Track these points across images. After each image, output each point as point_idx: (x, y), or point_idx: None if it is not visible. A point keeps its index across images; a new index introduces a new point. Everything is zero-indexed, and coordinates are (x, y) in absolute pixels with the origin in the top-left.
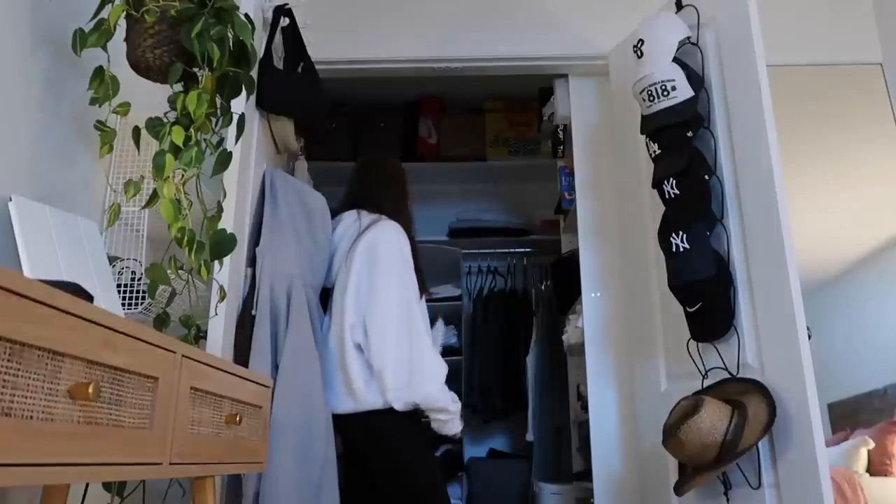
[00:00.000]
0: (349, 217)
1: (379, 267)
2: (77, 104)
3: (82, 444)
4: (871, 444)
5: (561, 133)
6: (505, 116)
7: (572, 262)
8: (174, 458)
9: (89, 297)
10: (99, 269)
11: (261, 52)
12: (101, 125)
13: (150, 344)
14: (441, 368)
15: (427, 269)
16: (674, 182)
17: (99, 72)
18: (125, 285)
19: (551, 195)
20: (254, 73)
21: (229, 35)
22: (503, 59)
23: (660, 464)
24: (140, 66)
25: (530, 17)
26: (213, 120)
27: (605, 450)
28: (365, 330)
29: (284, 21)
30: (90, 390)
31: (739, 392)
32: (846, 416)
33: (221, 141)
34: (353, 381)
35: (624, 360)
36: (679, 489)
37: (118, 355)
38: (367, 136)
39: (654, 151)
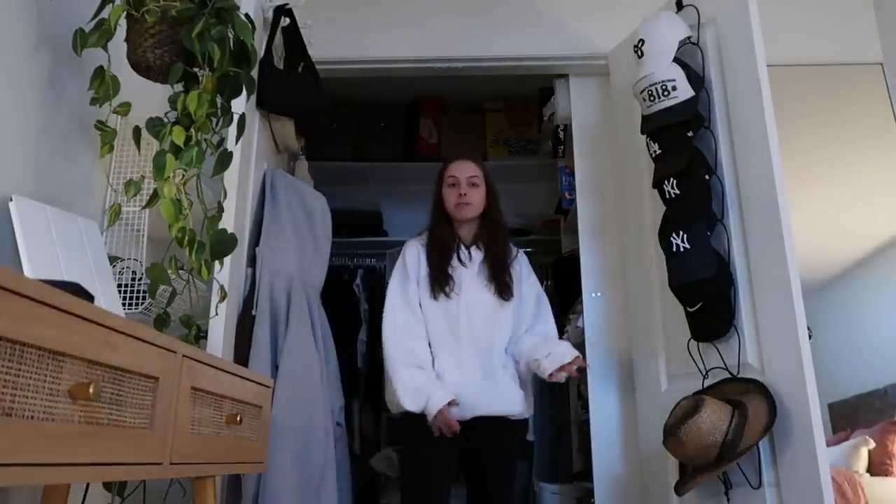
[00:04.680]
0: None
1: None
2: (77, 104)
3: (83, 444)
4: (872, 444)
5: (561, 133)
6: (505, 116)
7: (572, 262)
8: (175, 458)
9: (90, 297)
10: (99, 269)
11: (261, 52)
12: (101, 125)
13: (151, 344)
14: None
15: None
16: (674, 182)
17: (99, 72)
18: (125, 285)
19: (551, 195)
20: (254, 73)
21: (230, 35)
22: (503, 59)
23: (660, 464)
24: (140, 67)
25: (530, 17)
26: (214, 120)
27: (606, 450)
28: None
29: (285, 21)
30: (91, 390)
31: (740, 392)
32: (846, 416)
33: (222, 141)
34: None
35: (624, 360)
36: (679, 489)
37: (119, 355)
38: (367, 136)
39: (655, 151)
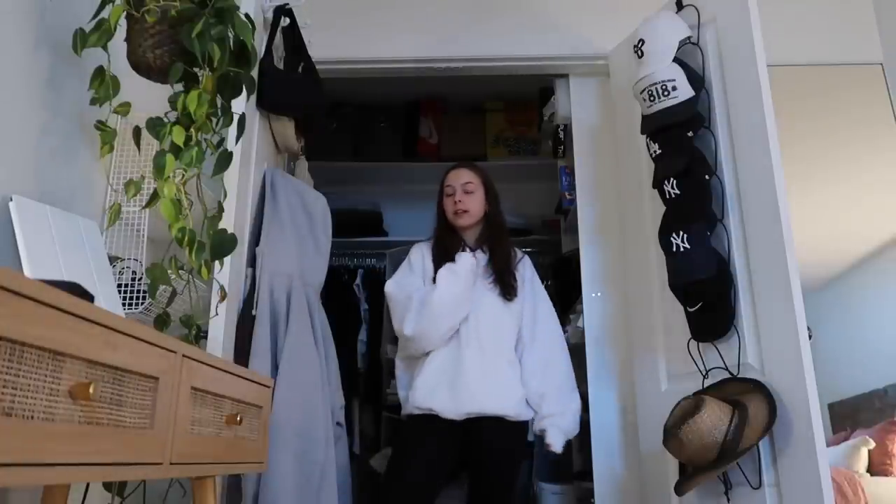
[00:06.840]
0: None
1: None
2: (78, 104)
3: (83, 444)
4: (872, 444)
5: (561, 133)
6: (505, 116)
7: (572, 262)
8: (175, 458)
9: (90, 297)
10: (99, 269)
11: (261, 52)
12: (101, 125)
13: (151, 344)
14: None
15: None
16: (674, 182)
17: (99, 72)
18: (125, 285)
19: (551, 195)
20: (254, 73)
21: (230, 35)
22: (503, 59)
23: (660, 463)
24: (141, 67)
25: (531, 17)
26: (214, 120)
27: (606, 450)
28: None
29: (285, 21)
30: (91, 390)
31: (740, 392)
32: (846, 416)
33: (222, 141)
34: None
35: (624, 360)
36: (679, 489)
37: (119, 355)
38: (367, 136)
39: (655, 151)
